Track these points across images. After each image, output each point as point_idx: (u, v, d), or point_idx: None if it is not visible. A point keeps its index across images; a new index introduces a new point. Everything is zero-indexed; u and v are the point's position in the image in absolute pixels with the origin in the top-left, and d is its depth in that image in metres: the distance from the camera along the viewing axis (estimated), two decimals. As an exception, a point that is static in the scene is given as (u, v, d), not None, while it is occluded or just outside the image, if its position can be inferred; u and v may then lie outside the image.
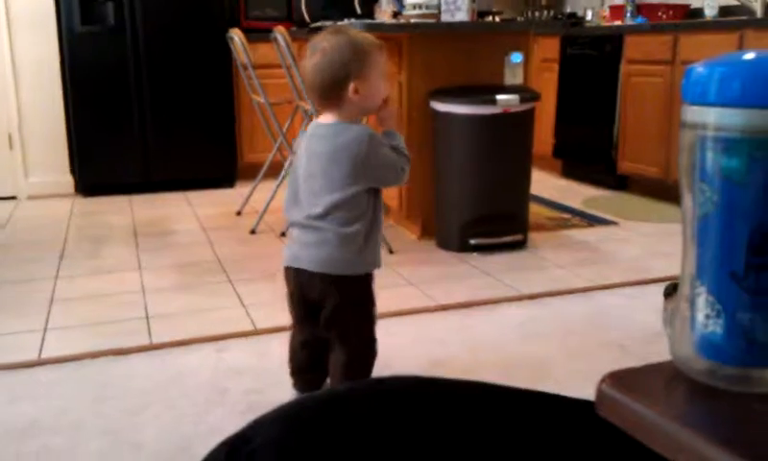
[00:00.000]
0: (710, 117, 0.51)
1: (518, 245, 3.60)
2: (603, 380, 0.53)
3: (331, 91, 1.83)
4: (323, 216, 1.83)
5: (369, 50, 1.84)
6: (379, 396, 0.77)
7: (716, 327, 0.52)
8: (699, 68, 0.52)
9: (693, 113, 0.53)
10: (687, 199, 0.54)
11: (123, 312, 2.83)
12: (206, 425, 1.99)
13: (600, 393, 0.53)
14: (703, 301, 0.53)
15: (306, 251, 1.87)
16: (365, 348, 1.96)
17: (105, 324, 2.72)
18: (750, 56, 0.51)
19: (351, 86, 1.81)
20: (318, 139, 1.87)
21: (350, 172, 1.81)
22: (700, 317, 0.53)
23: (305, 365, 2.06)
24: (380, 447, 0.69)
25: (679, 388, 0.53)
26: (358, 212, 1.84)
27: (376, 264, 1.93)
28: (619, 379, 0.53)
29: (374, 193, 1.89)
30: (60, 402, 2.13)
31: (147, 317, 2.76)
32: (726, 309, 0.52)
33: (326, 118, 1.89)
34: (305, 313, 1.96)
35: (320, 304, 1.90)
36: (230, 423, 1.95)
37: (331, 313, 1.89)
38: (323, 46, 1.83)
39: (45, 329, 2.66)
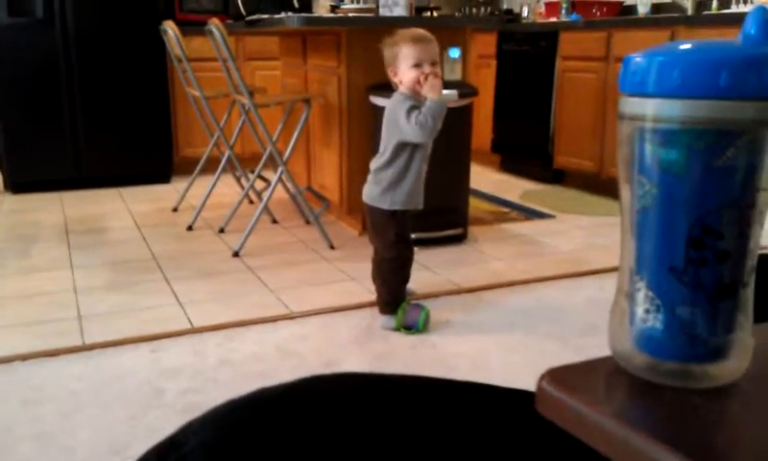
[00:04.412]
0: (649, 108, 0.50)
1: (458, 239, 3.61)
2: (542, 377, 0.52)
3: (387, 75, 2.58)
4: (374, 160, 2.56)
5: (397, 47, 2.50)
6: (314, 396, 0.75)
7: (656, 322, 0.51)
8: (637, 58, 0.51)
9: (631, 105, 0.51)
10: (626, 191, 0.53)
11: (54, 312, 2.74)
12: (142, 427, 1.93)
13: (540, 390, 0.52)
14: (642, 295, 0.52)
15: (365, 186, 2.59)
16: (384, 262, 2.59)
17: (35, 324, 2.63)
18: (687, 45, 0.50)
19: (390, 72, 2.55)
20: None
21: (387, 127, 2.51)
22: (639, 312, 0.52)
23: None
24: (315, 448, 0.67)
25: (619, 385, 0.52)
26: (389, 162, 2.50)
27: (403, 205, 2.51)
28: (558, 376, 0.52)
29: (407, 150, 2.48)
30: (-13, 407, 2.04)
31: (79, 317, 2.68)
32: (665, 304, 0.51)
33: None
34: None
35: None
36: (167, 424, 1.91)
37: (368, 231, 2.69)
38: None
39: (-29, 332, 2.56)
